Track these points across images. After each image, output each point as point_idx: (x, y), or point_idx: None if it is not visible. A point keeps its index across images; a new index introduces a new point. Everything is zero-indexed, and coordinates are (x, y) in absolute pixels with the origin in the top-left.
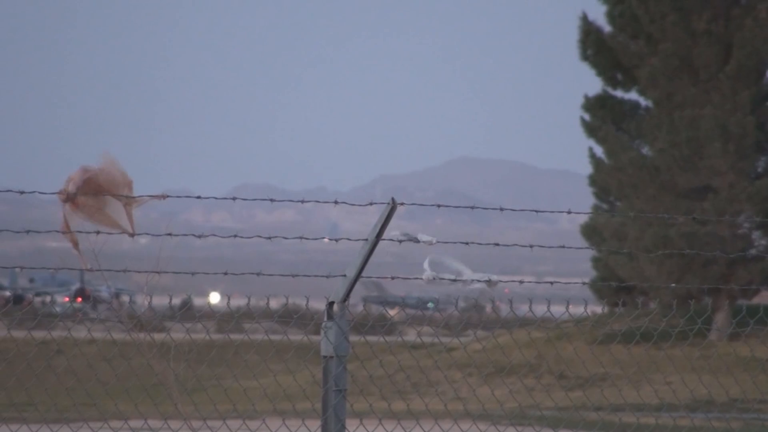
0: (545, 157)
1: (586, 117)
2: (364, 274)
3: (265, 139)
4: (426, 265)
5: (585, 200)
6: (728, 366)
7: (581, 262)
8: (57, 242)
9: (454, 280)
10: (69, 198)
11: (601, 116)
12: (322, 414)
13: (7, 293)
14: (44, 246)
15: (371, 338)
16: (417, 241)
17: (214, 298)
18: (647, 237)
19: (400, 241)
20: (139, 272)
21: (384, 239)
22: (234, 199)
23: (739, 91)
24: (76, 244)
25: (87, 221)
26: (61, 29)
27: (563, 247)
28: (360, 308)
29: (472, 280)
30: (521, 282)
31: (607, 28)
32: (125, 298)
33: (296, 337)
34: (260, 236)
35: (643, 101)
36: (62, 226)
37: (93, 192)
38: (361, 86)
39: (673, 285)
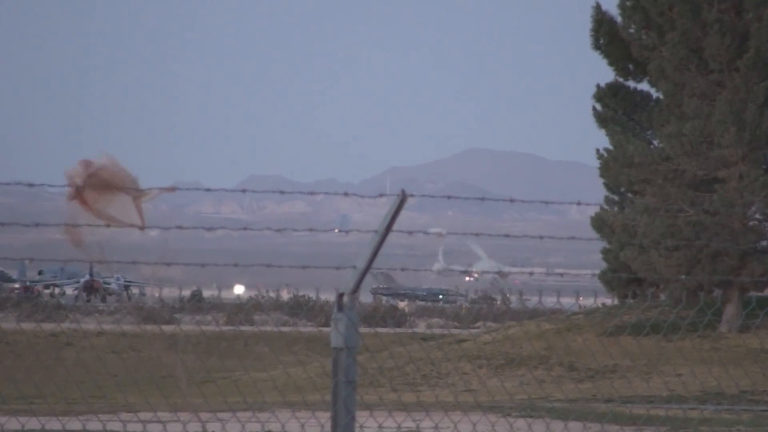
0: (556, 149)
1: (598, 107)
2: (374, 265)
3: (274, 130)
4: (440, 255)
5: (595, 192)
6: (738, 358)
7: (591, 254)
8: (65, 235)
9: (464, 272)
10: (77, 193)
11: (613, 106)
12: (332, 406)
13: (17, 285)
14: (53, 238)
15: (381, 330)
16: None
17: (239, 290)
18: (656, 228)
19: (410, 232)
20: (148, 264)
21: (394, 231)
22: (244, 190)
23: (753, 82)
24: (80, 243)
25: (95, 219)
26: (73, 20)
27: (573, 238)
28: (371, 299)
29: (483, 272)
30: (531, 274)
31: (619, 19)
32: (135, 290)
33: (306, 329)
34: (270, 228)
35: (655, 92)
36: (66, 227)
37: (99, 186)
38: (372, 77)
39: (683, 277)
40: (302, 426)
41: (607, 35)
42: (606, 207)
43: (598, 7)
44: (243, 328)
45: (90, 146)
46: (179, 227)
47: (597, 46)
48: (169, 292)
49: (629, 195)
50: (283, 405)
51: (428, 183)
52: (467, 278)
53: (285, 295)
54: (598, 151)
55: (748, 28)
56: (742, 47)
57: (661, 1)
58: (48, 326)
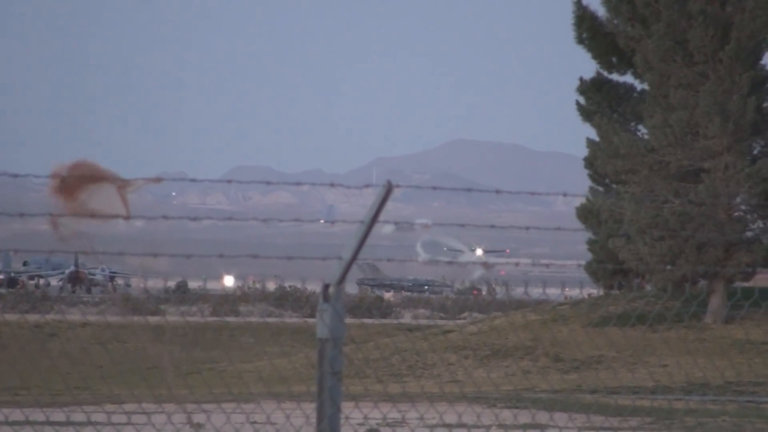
0: (542, 140)
1: (581, 100)
2: (360, 256)
3: (261, 121)
4: (419, 247)
5: (581, 183)
6: (723, 349)
7: (577, 245)
8: (51, 228)
9: (450, 262)
10: (63, 185)
11: (597, 99)
12: (318, 397)
13: (1, 276)
14: (38, 229)
15: (367, 321)
16: (412, 226)
17: (228, 281)
18: (642, 219)
19: (396, 223)
20: (134, 255)
21: (380, 221)
22: (230, 181)
23: (737, 73)
24: (65, 237)
25: (81, 211)
26: (56, 9)
27: (559, 228)
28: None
29: (468, 263)
30: (517, 264)
31: (602, 12)
32: (120, 281)
33: (292, 320)
34: (256, 219)
35: (639, 84)
36: (53, 220)
37: (83, 177)
38: (358, 68)
39: (669, 267)
40: (287, 417)
41: (589, 29)
42: (591, 199)
43: (578, 2)
44: (228, 319)
45: (75, 137)
46: (164, 217)
47: (580, 41)
48: (155, 283)
49: (614, 186)
50: (268, 396)
51: (414, 174)
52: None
53: (271, 286)
54: (588, 138)
55: (731, 19)
56: (726, 38)
57: None
58: (32, 317)
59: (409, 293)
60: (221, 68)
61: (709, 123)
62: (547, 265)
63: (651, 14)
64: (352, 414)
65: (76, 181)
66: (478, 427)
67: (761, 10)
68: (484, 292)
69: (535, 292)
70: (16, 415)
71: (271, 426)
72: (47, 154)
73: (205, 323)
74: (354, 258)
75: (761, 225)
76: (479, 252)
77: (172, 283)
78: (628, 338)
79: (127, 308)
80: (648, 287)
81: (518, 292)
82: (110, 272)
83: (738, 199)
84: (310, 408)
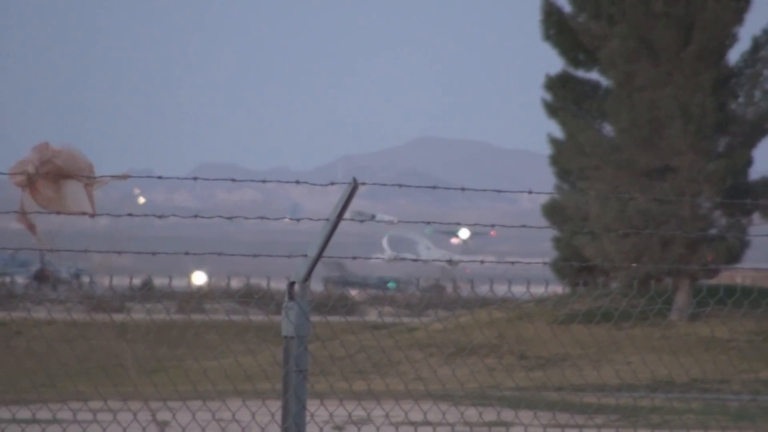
0: (508, 137)
1: (547, 97)
2: (325, 253)
3: (226, 118)
4: (385, 243)
5: (547, 181)
6: (688, 346)
7: (543, 242)
8: (17, 223)
9: (415, 260)
10: (29, 180)
11: (563, 96)
12: (283, 395)
13: None
14: (4, 227)
15: (332, 318)
16: (374, 218)
17: (200, 278)
18: (607, 216)
19: (362, 221)
20: (99, 252)
21: (345, 219)
22: (195, 178)
23: (700, 72)
24: (33, 228)
25: (47, 207)
26: (22, 5)
27: (524, 226)
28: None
29: (434, 260)
30: (482, 262)
31: (568, 8)
32: (86, 279)
33: (257, 317)
34: (221, 216)
35: (604, 81)
36: (19, 214)
37: (52, 173)
38: (323, 65)
39: (635, 265)
40: (253, 415)
41: (556, 25)
42: (557, 196)
43: None
44: (194, 316)
45: (41, 132)
46: (130, 215)
47: (547, 37)
48: (120, 281)
49: (578, 184)
50: (233, 394)
51: (380, 171)
52: (453, 240)
53: (236, 284)
54: (549, 135)
55: (694, 19)
56: (689, 38)
57: None
58: None
59: (374, 291)
60: (186, 65)
61: (672, 124)
62: (513, 263)
63: (617, 12)
64: (317, 412)
65: (44, 177)
66: (443, 425)
67: (723, 10)
68: (449, 289)
69: (501, 289)
70: None
71: (236, 424)
72: (10, 149)
73: (170, 321)
74: (319, 255)
75: (725, 222)
76: (464, 233)
77: (137, 281)
78: (593, 336)
79: (92, 306)
80: (613, 284)
81: (483, 289)
82: (76, 270)
83: (702, 197)
84: (276, 406)
